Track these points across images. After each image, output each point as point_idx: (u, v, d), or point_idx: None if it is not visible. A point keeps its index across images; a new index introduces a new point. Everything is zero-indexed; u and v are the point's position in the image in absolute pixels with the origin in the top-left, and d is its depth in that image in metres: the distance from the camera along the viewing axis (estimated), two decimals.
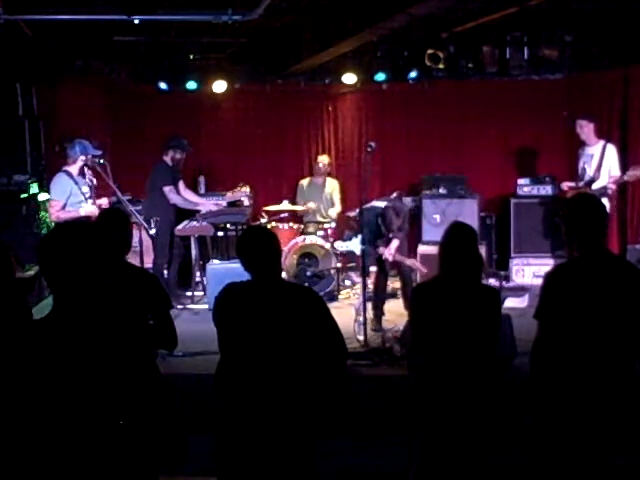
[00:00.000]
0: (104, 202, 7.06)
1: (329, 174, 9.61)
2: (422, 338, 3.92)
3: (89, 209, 6.81)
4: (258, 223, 8.79)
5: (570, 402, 3.47)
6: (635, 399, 3.50)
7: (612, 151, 7.89)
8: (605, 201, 7.41)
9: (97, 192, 7.09)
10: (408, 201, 8.75)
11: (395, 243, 7.00)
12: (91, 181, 6.89)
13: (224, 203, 8.80)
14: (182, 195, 8.31)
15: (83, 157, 6.89)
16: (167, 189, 8.01)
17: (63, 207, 6.85)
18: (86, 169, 6.91)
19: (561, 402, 3.49)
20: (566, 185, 8.17)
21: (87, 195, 6.89)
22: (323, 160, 9.52)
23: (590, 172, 7.86)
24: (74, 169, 6.92)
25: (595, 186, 7.70)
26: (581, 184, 7.89)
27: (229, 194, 8.86)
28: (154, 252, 7.91)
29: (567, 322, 3.47)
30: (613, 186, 7.74)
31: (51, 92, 8.59)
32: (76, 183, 6.86)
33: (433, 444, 3.88)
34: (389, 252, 6.98)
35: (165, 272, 8.05)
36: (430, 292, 3.99)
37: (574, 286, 3.49)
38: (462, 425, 3.80)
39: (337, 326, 3.58)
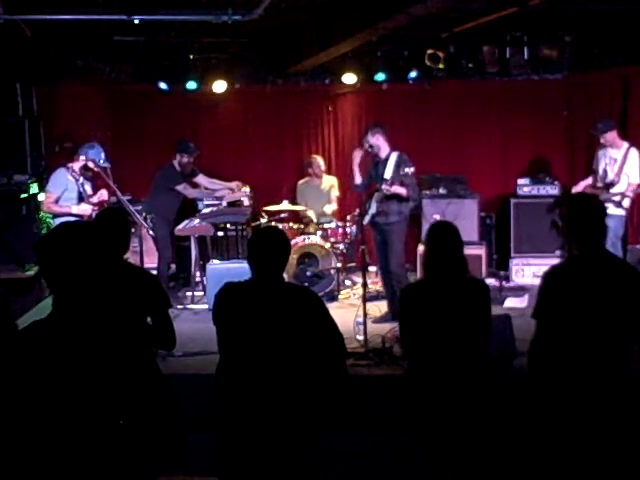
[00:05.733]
0: (104, 195, 7.05)
1: (326, 172, 9.61)
2: (411, 340, 3.92)
3: (83, 208, 6.81)
4: (258, 223, 8.80)
5: (566, 401, 3.49)
6: (629, 398, 3.51)
7: (634, 156, 7.70)
8: (613, 207, 7.37)
9: (93, 193, 7.08)
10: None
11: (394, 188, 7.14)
12: (82, 185, 6.88)
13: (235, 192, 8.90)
14: (205, 185, 8.57)
15: (88, 161, 6.87)
16: (181, 187, 8.10)
17: (57, 201, 6.86)
18: (76, 171, 6.88)
19: (557, 401, 3.51)
20: (583, 185, 8.05)
21: (86, 194, 6.89)
22: (318, 161, 9.50)
23: (611, 175, 7.74)
24: (77, 167, 6.92)
25: (614, 190, 7.62)
26: (600, 184, 7.81)
27: (229, 194, 8.87)
28: (157, 252, 7.95)
29: (564, 322, 3.48)
30: (631, 194, 7.63)
31: (51, 92, 8.59)
32: (75, 180, 6.85)
33: (433, 449, 3.89)
34: (388, 187, 7.10)
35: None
36: (418, 293, 3.98)
37: (571, 286, 3.50)
38: (455, 424, 3.80)
39: (336, 326, 3.58)
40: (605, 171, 7.84)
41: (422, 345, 3.87)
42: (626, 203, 7.62)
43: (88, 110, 9.09)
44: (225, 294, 3.60)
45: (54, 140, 8.30)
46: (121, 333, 2.51)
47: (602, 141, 7.84)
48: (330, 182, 9.53)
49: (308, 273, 8.40)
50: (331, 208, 9.35)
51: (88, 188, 7.00)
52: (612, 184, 7.69)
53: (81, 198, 6.89)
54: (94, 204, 6.91)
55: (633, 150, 7.75)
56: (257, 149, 10.07)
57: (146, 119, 9.71)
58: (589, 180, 8.08)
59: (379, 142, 7.30)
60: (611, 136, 7.80)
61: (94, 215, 6.70)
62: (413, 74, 9.30)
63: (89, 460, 2.38)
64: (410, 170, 7.13)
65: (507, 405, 3.99)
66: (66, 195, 6.87)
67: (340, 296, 8.54)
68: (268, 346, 3.44)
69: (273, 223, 8.79)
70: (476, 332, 3.85)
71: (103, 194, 7.06)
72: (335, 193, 9.48)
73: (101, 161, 6.94)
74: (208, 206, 9.03)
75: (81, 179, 6.90)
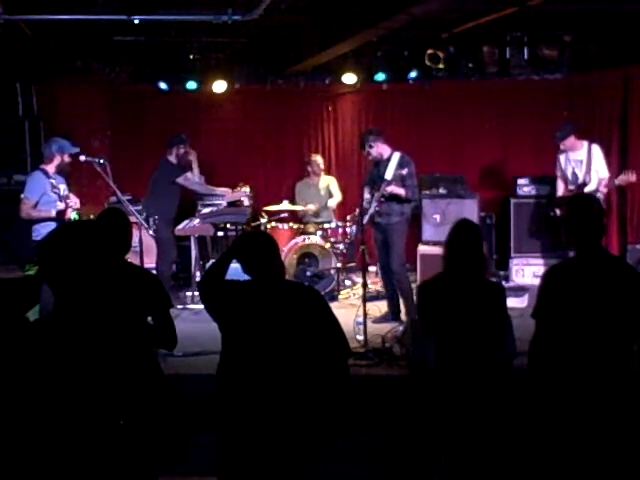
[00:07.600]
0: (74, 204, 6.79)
1: (326, 172, 9.64)
2: (431, 331, 3.96)
3: (62, 209, 6.61)
4: (258, 223, 8.80)
5: (566, 400, 3.50)
6: (629, 397, 3.52)
7: (597, 152, 7.86)
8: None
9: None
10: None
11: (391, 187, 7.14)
12: (56, 187, 6.79)
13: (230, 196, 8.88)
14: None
15: (59, 156, 6.76)
16: (181, 179, 8.03)
17: (35, 205, 6.65)
18: (54, 170, 6.75)
19: (557, 401, 3.52)
20: (560, 194, 8.18)
21: (63, 194, 6.69)
22: (317, 160, 9.54)
23: (581, 176, 7.87)
24: (50, 168, 6.74)
25: (587, 189, 7.68)
26: (572, 187, 7.90)
27: (229, 194, 8.87)
28: (157, 252, 7.91)
29: (563, 321, 3.50)
30: (605, 189, 7.72)
31: (51, 92, 8.60)
32: (51, 181, 6.69)
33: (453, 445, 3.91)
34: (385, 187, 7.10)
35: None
36: (435, 289, 4.01)
37: (570, 286, 3.52)
38: (473, 423, 3.82)
39: (339, 325, 3.58)
40: (575, 174, 7.96)
41: (440, 340, 3.90)
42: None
43: (88, 110, 9.10)
44: (227, 293, 3.60)
45: None
46: (122, 333, 2.51)
47: (562, 147, 7.99)
48: (327, 181, 9.56)
49: (308, 273, 8.40)
50: (335, 201, 9.39)
51: (63, 187, 6.79)
52: (584, 184, 7.80)
53: (60, 199, 6.65)
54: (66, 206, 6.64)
55: (595, 147, 7.88)
56: (257, 149, 10.08)
57: (146, 119, 9.72)
58: (561, 187, 8.15)
59: (380, 149, 7.30)
60: (570, 141, 7.94)
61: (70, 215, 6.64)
62: (413, 74, 9.31)
63: (89, 459, 2.38)
64: (411, 171, 7.13)
65: (507, 405, 3.99)
66: (45, 199, 6.65)
67: (340, 296, 8.54)
68: (270, 345, 3.44)
69: (273, 223, 8.80)
70: (491, 332, 3.88)
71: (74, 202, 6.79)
72: (336, 189, 9.49)
73: (70, 150, 6.73)
74: (208, 206, 9.03)
75: (59, 179, 6.75)
